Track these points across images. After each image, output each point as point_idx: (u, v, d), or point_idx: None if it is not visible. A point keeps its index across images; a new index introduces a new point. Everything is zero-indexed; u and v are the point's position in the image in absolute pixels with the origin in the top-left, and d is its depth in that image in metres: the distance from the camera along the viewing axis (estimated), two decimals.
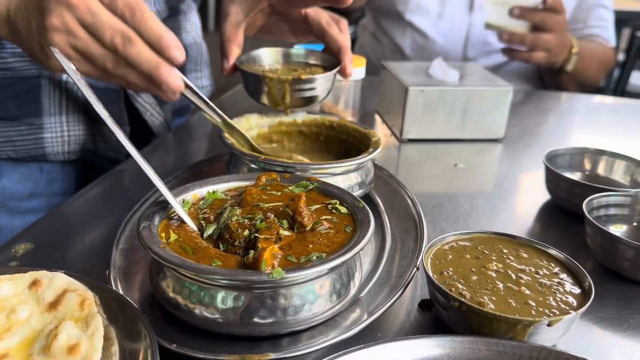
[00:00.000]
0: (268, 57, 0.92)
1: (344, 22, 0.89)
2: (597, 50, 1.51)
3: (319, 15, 0.88)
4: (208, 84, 1.24)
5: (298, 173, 0.70)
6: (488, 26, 1.40)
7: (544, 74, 1.55)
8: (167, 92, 0.64)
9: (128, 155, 0.98)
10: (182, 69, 1.15)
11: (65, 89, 0.98)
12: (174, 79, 0.63)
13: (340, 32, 0.87)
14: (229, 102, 1.33)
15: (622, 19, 2.76)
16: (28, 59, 0.94)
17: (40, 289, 0.54)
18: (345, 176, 0.75)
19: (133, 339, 0.50)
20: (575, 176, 0.90)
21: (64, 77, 0.97)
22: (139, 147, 0.83)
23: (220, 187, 0.66)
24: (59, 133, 0.97)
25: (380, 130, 1.16)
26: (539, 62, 1.37)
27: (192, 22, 1.17)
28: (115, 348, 0.50)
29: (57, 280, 0.54)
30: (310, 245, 0.54)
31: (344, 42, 0.86)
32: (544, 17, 1.32)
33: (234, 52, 0.85)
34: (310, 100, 0.85)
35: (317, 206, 0.62)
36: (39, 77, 0.94)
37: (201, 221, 0.60)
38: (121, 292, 0.58)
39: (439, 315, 0.59)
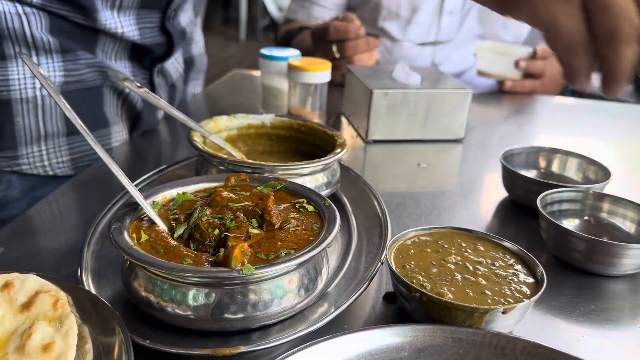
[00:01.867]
0: None
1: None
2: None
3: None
4: (200, 91, 1.37)
5: (266, 174, 0.72)
6: (481, 74, 1.48)
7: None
8: None
9: (95, 160, 1.01)
10: (186, 77, 1.24)
11: (124, 97, 1.03)
12: None
13: None
14: (196, 106, 1.35)
15: None
16: (97, 68, 0.96)
17: (12, 291, 0.54)
18: (313, 177, 0.77)
19: (107, 336, 0.51)
20: (531, 174, 0.94)
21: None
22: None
23: (190, 188, 0.68)
24: (122, 140, 1.05)
25: (347, 132, 1.19)
26: (532, 90, 1.48)
27: (200, 35, 1.29)
28: (89, 346, 0.51)
29: (30, 282, 0.55)
30: (279, 243, 0.57)
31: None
32: (538, 65, 1.42)
33: None
34: None
35: (285, 205, 0.64)
36: (102, 86, 0.98)
37: (171, 222, 0.61)
38: (94, 292, 0.59)
39: (402, 307, 0.62)
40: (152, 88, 1.08)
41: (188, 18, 1.14)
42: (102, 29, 0.94)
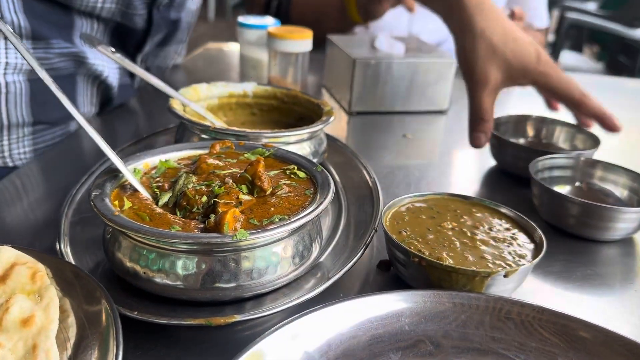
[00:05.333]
0: None
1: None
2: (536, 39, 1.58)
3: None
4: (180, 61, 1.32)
5: (252, 142, 0.69)
6: None
7: None
8: None
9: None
10: (168, 40, 1.14)
11: (98, 83, 0.97)
12: None
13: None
14: (173, 78, 1.30)
15: (552, 1, 2.87)
16: (71, 58, 0.90)
17: None
18: (299, 145, 0.74)
19: (91, 309, 0.48)
20: (519, 142, 0.93)
21: (99, 69, 0.95)
22: None
23: (173, 155, 0.64)
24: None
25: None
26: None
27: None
28: (71, 319, 0.48)
29: (4, 254, 0.51)
30: (272, 209, 0.54)
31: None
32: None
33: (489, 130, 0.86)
34: None
35: (276, 172, 0.61)
36: (75, 75, 0.92)
37: (155, 189, 0.58)
38: (74, 263, 0.55)
39: (398, 274, 0.60)
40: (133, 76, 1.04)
41: None
42: (79, 7, 0.87)
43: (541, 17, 1.61)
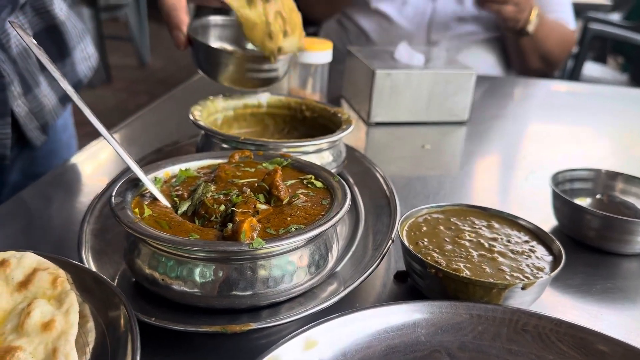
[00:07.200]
0: (218, 29, 0.88)
1: None
2: (557, 25, 1.57)
3: None
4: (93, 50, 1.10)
5: (271, 152, 0.70)
6: None
7: (507, 39, 1.58)
8: None
9: (20, 149, 0.91)
10: (61, 50, 0.99)
11: None
12: None
13: None
14: (193, 87, 1.32)
15: (575, 11, 2.85)
16: None
17: (8, 269, 0.51)
18: (318, 155, 0.75)
19: (110, 314, 0.49)
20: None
21: None
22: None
23: (193, 164, 0.65)
24: None
25: None
26: (508, 15, 1.42)
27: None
28: (90, 324, 0.49)
29: (27, 260, 0.52)
30: (288, 218, 0.54)
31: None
32: None
33: (185, 20, 0.77)
34: (270, 81, 0.84)
35: (293, 181, 0.62)
36: None
37: (174, 198, 0.59)
38: (94, 270, 0.56)
39: (415, 285, 0.60)
40: None
41: None
42: None
43: (569, 19, 1.61)
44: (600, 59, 3.74)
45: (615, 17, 3.80)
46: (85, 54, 1.07)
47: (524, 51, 1.55)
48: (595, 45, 3.54)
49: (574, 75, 2.76)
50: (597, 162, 0.86)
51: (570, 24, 1.61)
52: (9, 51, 0.87)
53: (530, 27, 1.46)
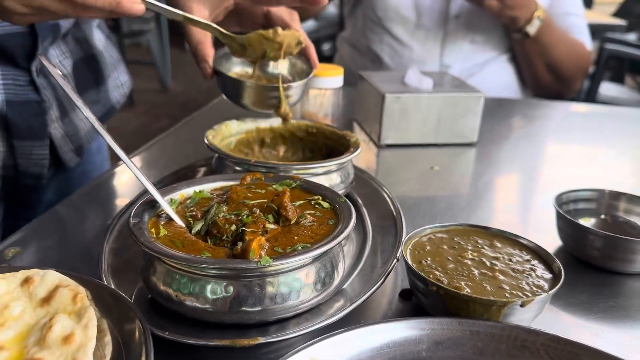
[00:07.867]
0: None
1: (296, 14, 0.87)
2: (568, 37, 1.55)
3: (281, 10, 0.86)
4: (126, 78, 1.18)
5: (281, 174, 0.73)
6: None
7: (513, 44, 1.59)
8: (131, 15, 0.64)
9: (56, 170, 0.97)
10: (97, 79, 1.06)
11: None
12: (136, 7, 0.64)
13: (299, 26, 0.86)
14: (212, 111, 1.36)
15: (591, 32, 2.86)
16: None
17: (32, 286, 0.55)
18: (327, 176, 0.77)
19: (126, 329, 0.52)
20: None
21: None
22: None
23: (206, 186, 0.68)
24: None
25: (359, 137, 1.19)
26: (490, 8, 1.40)
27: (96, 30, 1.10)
28: (108, 338, 0.51)
29: (49, 277, 0.55)
30: (296, 237, 0.57)
31: (305, 35, 0.85)
32: None
33: (210, 54, 0.82)
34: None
35: (301, 202, 0.64)
36: None
37: (189, 219, 0.62)
38: (112, 287, 0.59)
39: (419, 303, 0.62)
40: (35, 89, 0.90)
41: None
42: None
43: (585, 40, 1.61)
44: (618, 79, 3.73)
45: (632, 37, 3.79)
46: (118, 82, 1.15)
47: (529, 57, 1.54)
48: (612, 65, 3.54)
49: (591, 94, 2.76)
50: (616, 184, 0.86)
51: (587, 44, 1.62)
52: (49, 77, 0.93)
53: (531, 29, 1.46)
